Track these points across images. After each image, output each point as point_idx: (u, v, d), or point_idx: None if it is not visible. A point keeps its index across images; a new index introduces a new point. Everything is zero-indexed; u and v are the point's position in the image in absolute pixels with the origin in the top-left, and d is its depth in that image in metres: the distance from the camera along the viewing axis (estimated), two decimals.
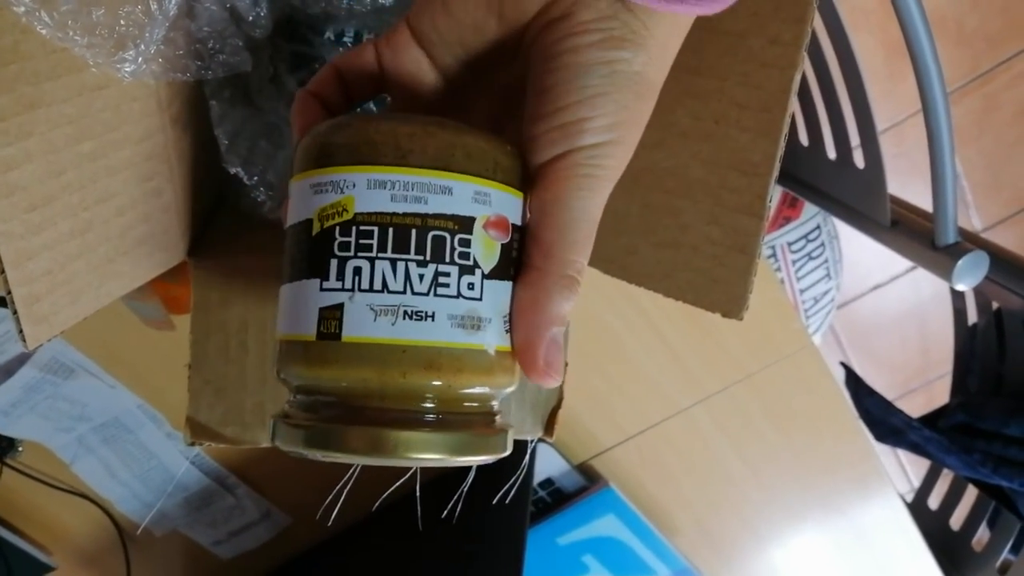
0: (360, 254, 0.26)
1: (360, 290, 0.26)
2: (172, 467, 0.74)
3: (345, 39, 0.48)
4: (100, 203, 0.37)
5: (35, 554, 0.74)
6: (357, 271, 0.26)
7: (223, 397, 0.44)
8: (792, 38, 0.36)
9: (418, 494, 0.49)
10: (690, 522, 0.82)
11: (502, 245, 0.27)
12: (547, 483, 0.78)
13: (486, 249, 0.27)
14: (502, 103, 0.32)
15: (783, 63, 0.36)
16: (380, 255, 0.26)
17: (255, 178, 0.44)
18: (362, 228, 0.26)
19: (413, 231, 0.26)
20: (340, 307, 0.26)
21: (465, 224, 0.26)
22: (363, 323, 0.26)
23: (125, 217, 0.39)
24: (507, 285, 0.28)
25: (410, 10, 0.30)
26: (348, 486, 0.47)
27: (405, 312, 0.25)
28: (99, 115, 0.36)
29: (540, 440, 0.48)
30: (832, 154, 0.75)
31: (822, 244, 1.03)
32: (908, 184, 1.18)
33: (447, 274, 0.26)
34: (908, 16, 0.55)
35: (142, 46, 0.34)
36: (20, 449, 0.72)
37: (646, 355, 0.72)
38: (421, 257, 0.26)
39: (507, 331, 0.28)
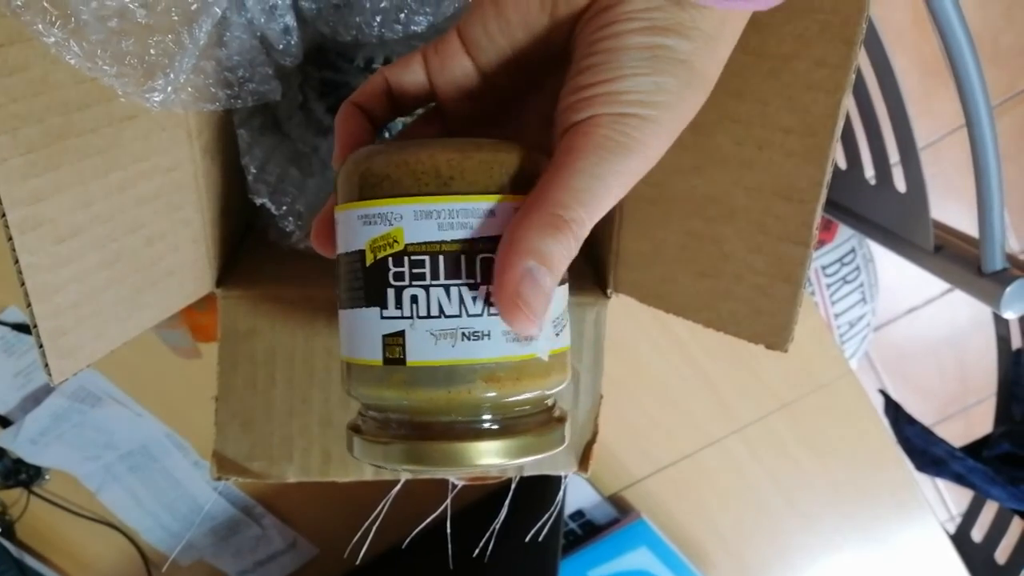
0: (415, 283, 0.27)
1: (419, 317, 0.27)
2: (199, 496, 0.73)
3: (375, 66, 0.47)
4: (129, 234, 0.36)
5: None
6: (414, 299, 0.27)
7: (250, 430, 0.43)
8: (839, 60, 0.34)
9: (449, 530, 0.47)
10: (724, 555, 0.80)
11: None
12: (578, 515, 0.76)
13: None
14: (553, 105, 0.32)
15: (830, 86, 0.35)
16: (433, 282, 0.26)
17: (283, 208, 0.43)
18: (414, 258, 0.27)
19: (462, 257, 0.26)
20: (402, 334, 0.27)
21: None
22: (425, 347, 0.27)
23: (154, 248, 0.38)
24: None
25: (461, 19, 0.30)
26: (377, 522, 0.46)
27: (463, 334, 0.27)
28: (128, 145, 0.35)
29: (574, 474, 0.46)
30: (871, 177, 0.73)
31: (857, 268, 1.01)
32: (944, 205, 1.16)
33: None
34: (951, 33, 0.53)
35: (171, 75, 0.33)
36: (47, 477, 0.71)
37: (680, 384, 0.71)
38: (472, 280, 0.27)
39: (556, 334, 0.29)
